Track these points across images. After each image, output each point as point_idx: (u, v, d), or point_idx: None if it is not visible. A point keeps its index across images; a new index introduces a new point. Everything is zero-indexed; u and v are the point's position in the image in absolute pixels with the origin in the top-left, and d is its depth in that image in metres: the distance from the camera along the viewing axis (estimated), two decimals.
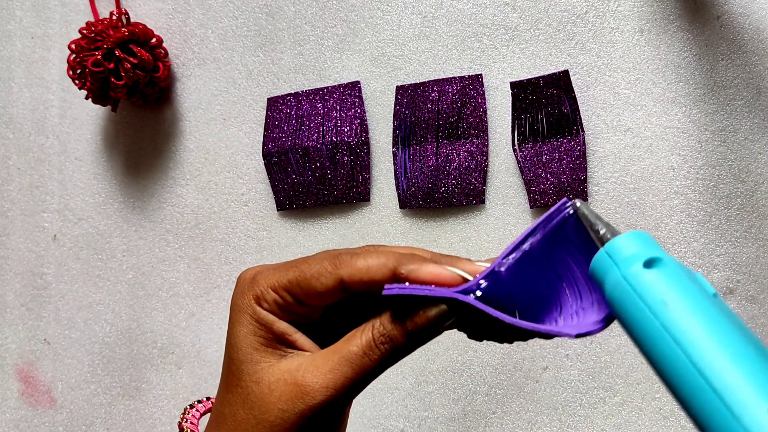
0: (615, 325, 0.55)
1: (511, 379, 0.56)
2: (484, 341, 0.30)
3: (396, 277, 0.28)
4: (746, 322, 0.52)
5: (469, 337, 0.30)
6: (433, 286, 0.28)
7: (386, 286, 0.28)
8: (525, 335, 0.28)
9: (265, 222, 0.61)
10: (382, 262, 0.28)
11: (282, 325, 0.29)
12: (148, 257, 0.65)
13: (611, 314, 0.26)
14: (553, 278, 0.29)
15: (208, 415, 0.32)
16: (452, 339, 0.57)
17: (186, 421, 0.32)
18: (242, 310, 0.30)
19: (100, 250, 0.66)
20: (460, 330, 0.30)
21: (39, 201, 0.68)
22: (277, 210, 0.61)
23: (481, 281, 0.27)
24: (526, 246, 0.28)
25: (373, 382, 0.59)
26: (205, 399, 0.34)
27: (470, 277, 0.28)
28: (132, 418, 0.65)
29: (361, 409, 0.59)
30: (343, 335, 0.31)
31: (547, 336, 0.27)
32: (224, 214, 0.62)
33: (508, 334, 0.29)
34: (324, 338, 0.31)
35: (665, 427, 0.53)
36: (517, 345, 0.55)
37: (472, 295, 0.27)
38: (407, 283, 0.28)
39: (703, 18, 0.52)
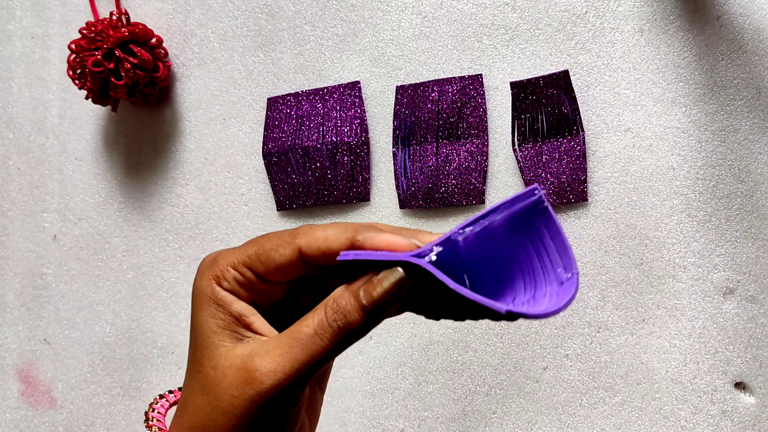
0: (615, 325, 0.55)
1: (511, 379, 0.56)
2: (441, 321, 0.29)
3: (353, 246, 0.28)
4: (746, 322, 0.52)
5: (426, 316, 0.29)
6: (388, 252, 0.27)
7: (341, 252, 0.27)
8: (471, 310, 0.27)
9: (265, 222, 0.61)
10: (340, 231, 0.28)
11: (240, 306, 0.29)
12: (148, 257, 0.65)
13: (552, 312, 0.26)
14: (511, 262, 0.28)
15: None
16: (452, 339, 0.57)
17: (152, 419, 0.31)
18: (201, 292, 0.29)
19: (100, 250, 0.66)
20: (415, 312, 0.29)
21: (39, 201, 0.68)
22: (277, 210, 0.61)
23: (435, 247, 0.26)
24: (486, 222, 0.27)
25: (373, 382, 0.59)
26: (168, 392, 0.34)
27: (422, 244, 0.27)
28: (132, 418, 0.65)
29: (361, 409, 0.59)
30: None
31: (490, 313, 0.26)
32: (224, 214, 0.62)
33: (457, 308, 0.28)
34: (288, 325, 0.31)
35: (665, 427, 0.53)
36: (517, 345, 0.55)
37: (426, 259, 0.26)
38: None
39: (703, 18, 0.52)
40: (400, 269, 0.27)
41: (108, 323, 0.66)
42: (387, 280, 0.27)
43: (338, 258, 0.28)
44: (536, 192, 0.27)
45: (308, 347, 0.27)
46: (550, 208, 0.27)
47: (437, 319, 0.29)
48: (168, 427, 0.30)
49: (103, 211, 0.66)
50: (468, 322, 0.56)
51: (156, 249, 0.64)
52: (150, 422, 0.31)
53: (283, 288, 0.30)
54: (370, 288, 0.27)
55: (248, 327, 0.29)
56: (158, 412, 0.31)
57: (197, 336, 0.29)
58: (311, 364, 0.27)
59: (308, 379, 0.27)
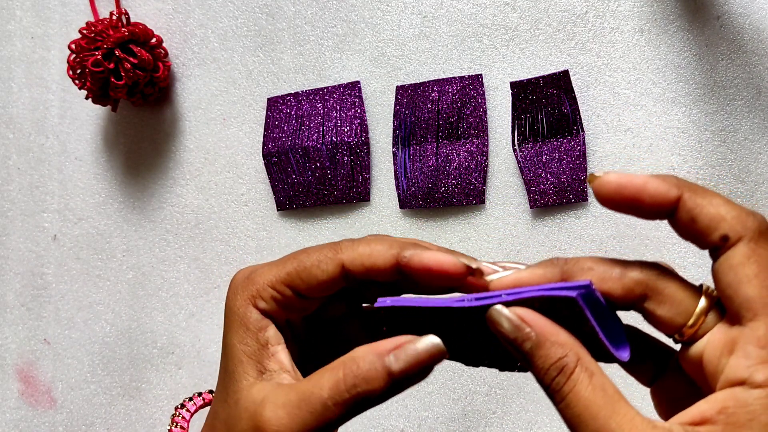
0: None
1: (511, 379, 0.56)
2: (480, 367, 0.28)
3: (399, 263, 0.26)
4: None
5: (465, 363, 0.28)
6: (430, 297, 0.26)
7: (378, 299, 0.26)
8: (518, 360, 0.25)
9: (265, 222, 0.61)
10: (385, 247, 0.27)
11: (269, 333, 0.28)
12: (148, 257, 0.65)
13: None
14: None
15: (205, 409, 0.31)
16: None
17: (176, 425, 0.31)
18: (234, 313, 0.28)
19: (100, 250, 0.66)
20: (455, 359, 0.28)
21: (39, 201, 0.68)
22: (277, 210, 0.61)
23: (505, 295, 0.25)
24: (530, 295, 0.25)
25: None
26: (197, 395, 0.34)
27: (473, 265, 0.26)
28: (132, 418, 0.65)
29: None
30: (333, 335, 0.30)
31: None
32: (224, 214, 0.62)
33: (500, 356, 0.27)
34: (322, 334, 0.31)
35: None
36: None
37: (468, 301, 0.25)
38: (404, 296, 0.26)
39: (703, 18, 0.52)
40: (439, 341, 0.24)
41: (108, 323, 0.66)
42: (423, 346, 0.24)
43: (376, 305, 0.26)
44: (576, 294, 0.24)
45: (319, 413, 0.25)
46: (586, 311, 0.25)
47: (477, 365, 0.28)
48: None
49: (103, 211, 0.66)
50: None
51: (156, 249, 0.64)
52: (174, 419, 0.30)
53: (317, 302, 0.29)
54: (401, 353, 0.24)
55: (271, 356, 0.28)
56: (181, 427, 0.31)
57: (227, 360, 0.28)
58: (319, 429, 0.25)
59: None
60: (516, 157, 0.55)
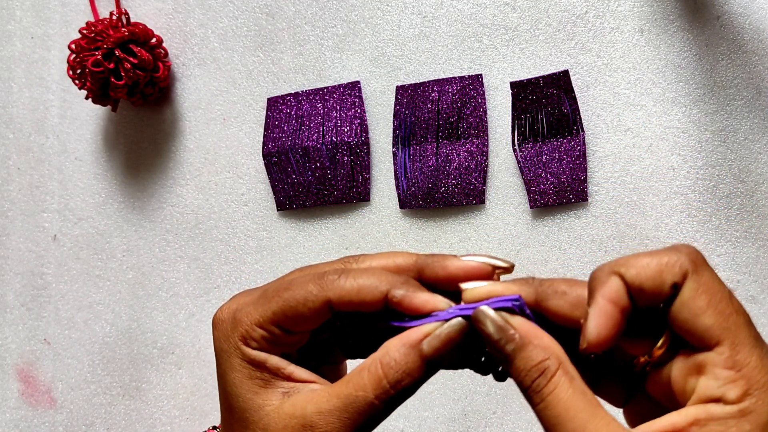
0: None
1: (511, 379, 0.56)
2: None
3: (389, 302, 0.27)
4: None
5: (483, 373, 0.29)
6: (434, 313, 0.27)
7: (392, 322, 0.27)
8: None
9: (265, 222, 0.61)
10: (372, 283, 0.27)
11: (275, 360, 0.28)
12: (148, 257, 0.65)
13: None
14: None
15: None
16: None
17: None
18: (230, 355, 0.28)
19: (100, 250, 0.66)
20: (474, 369, 0.29)
21: (39, 201, 0.68)
22: (277, 210, 0.61)
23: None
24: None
25: None
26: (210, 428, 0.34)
27: (452, 304, 0.27)
28: (132, 418, 0.65)
29: None
30: (331, 348, 0.30)
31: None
32: (224, 214, 0.62)
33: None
34: (313, 356, 0.31)
35: None
36: None
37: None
38: (407, 320, 0.27)
39: (703, 18, 0.52)
40: (462, 320, 0.26)
41: (108, 323, 0.66)
42: (450, 327, 0.26)
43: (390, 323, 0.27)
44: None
45: (367, 412, 0.26)
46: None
47: (502, 379, 0.29)
48: None
49: (103, 211, 0.66)
50: None
51: (156, 249, 0.64)
52: None
53: (308, 334, 0.29)
54: (433, 339, 0.26)
55: (289, 378, 0.28)
56: None
57: (234, 399, 0.28)
58: (370, 426, 0.26)
59: None
60: (516, 157, 0.55)
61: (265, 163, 0.61)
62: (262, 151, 0.61)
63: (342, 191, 0.59)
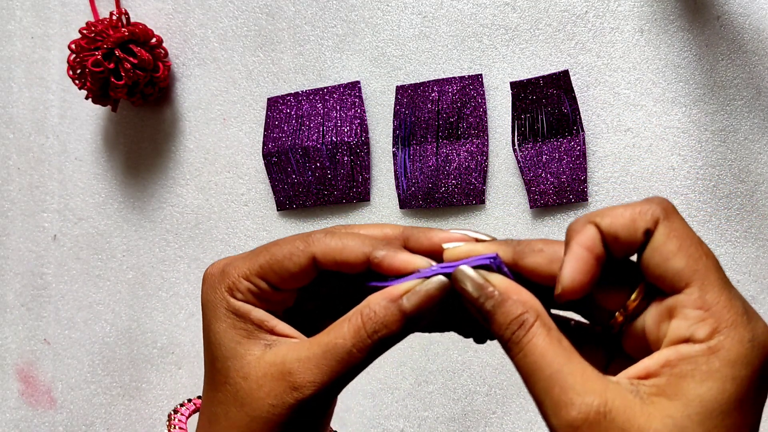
0: None
1: (511, 379, 0.56)
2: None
3: (370, 263, 0.28)
4: None
5: (466, 336, 0.29)
6: (417, 271, 0.27)
7: (371, 283, 0.28)
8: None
9: (265, 222, 0.61)
10: (356, 244, 0.28)
11: (259, 313, 0.29)
12: (148, 257, 0.65)
13: None
14: None
15: (196, 415, 0.32)
16: (452, 339, 0.57)
17: (174, 428, 0.31)
18: (216, 305, 0.29)
19: (100, 250, 0.66)
20: (459, 333, 0.30)
21: (39, 201, 0.68)
22: (277, 210, 0.61)
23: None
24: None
25: (374, 382, 0.59)
26: (187, 401, 0.34)
27: (433, 263, 0.28)
28: (132, 418, 0.65)
29: (361, 409, 0.59)
30: (319, 320, 0.30)
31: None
32: (224, 214, 0.62)
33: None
34: (301, 327, 0.31)
35: None
36: None
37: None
38: (389, 281, 0.28)
39: (703, 18, 0.52)
40: (444, 278, 0.27)
41: (108, 323, 0.66)
42: (430, 284, 0.27)
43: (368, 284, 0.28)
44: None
45: (345, 360, 0.27)
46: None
47: (482, 341, 0.29)
48: None
49: (103, 211, 0.66)
50: None
51: (156, 249, 0.65)
52: (171, 422, 0.30)
53: (294, 295, 0.30)
54: (413, 295, 0.27)
55: (272, 331, 0.29)
56: (179, 428, 0.31)
57: (217, 348, 0.29)
58: (348, 375, 0.27)
59: (344, 386, 0.28)
60: (516, 157, 0.55)
61: (265, 163, 0.61)
62: (262, 151, 0.61)
63: (342, 191, 0.59)
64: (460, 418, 0.57)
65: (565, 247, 0.26)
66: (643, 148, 0.53)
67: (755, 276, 0.51)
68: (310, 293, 0.31)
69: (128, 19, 0.61)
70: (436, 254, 0.28)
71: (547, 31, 0.55)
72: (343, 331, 0.27)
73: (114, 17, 0.60)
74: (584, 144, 0.54)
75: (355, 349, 0.27)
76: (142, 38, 0.59)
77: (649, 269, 0.25)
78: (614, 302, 0.27)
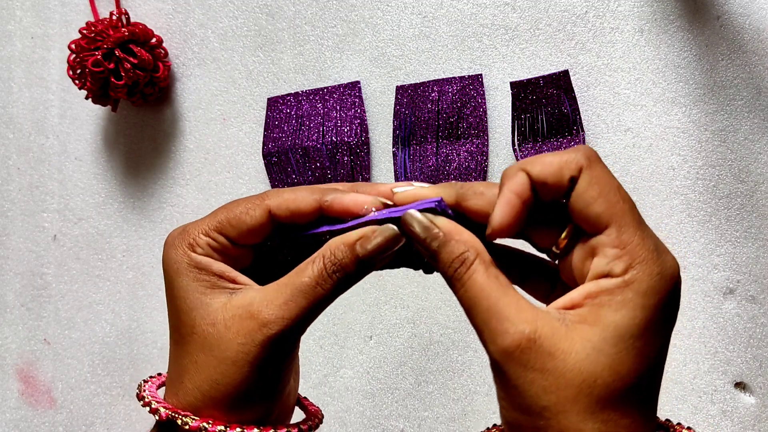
0: None
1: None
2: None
3: (321, 207, 0.30)
4: (746, 322, 0.52)
5: (415, 268, 0.31)
6: (363, 217, 0.29)
7: (325, 227, 0.30)
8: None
9: None
10: (307, 192, 0.30)
11: (219, 265, 0.30)
12: (148, 257, 0.65)
13: None
14: None
15: (163, 389, 0.32)
16: (452, 339, 0.57)
17: (145, 392, 0.31)
18: (177, 261, 0.30)
19: (100, 250, 0.66)
20: (410, 267, 0.32)
21: (39, 201, 0.68)
22: None
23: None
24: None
25: (373, 382, 0.59)
26: (157, 375, 0.34)
27: (389, 202, 0.30)
28: (132, 418, 0.65)
29: (361, 409, 0.59)
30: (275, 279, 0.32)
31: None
32: None
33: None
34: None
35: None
36: None
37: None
38: (345, 223, 0.30)
39: (703, 18, 0.52)
40: (395, 229, 0.29)
41: (108, 323, 0.66)
42: (382, 235, 0.29)
43: (306, 233, 0.30)
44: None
45: (310, 295, 0.29)
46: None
47: (430, 272, 0.31)
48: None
49: (103, 211, 0.66)
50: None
51: (156, 249, 0.64)
52: (145, 399, 0.30)
53: (251, 254, 0.32)
54: (366, 242, 0.29)
55: (234, 281, 0.30)
56: (149, 392, 0.31)
57: (182, 301, 0.30)
58: (312, 309, 0.29)
59: (309, 323, 0.29)
60: (516, 157, 0.55)
61: (265, 163, 0.61)
62: (262, 151, 0.61)
63: None
64: (460, 418, 0.57)
65: (498, 191, 0.28)
66: (643, 148, 0.53)
67: (755, 276, 0.51)
68: (265, 255, 0.32)
69: (128, 19, 0.61)
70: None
71: (547, 31, 0.55)
72: (308, 271, 0.29)
73: (114, 17, 0.60)
74: (584, 144, 0.54)
75: (319, 287, 0.29)
76: (142, 38, 0.59)
77: (575, 213, 0.28)
78: (548, 241, 0.30)
